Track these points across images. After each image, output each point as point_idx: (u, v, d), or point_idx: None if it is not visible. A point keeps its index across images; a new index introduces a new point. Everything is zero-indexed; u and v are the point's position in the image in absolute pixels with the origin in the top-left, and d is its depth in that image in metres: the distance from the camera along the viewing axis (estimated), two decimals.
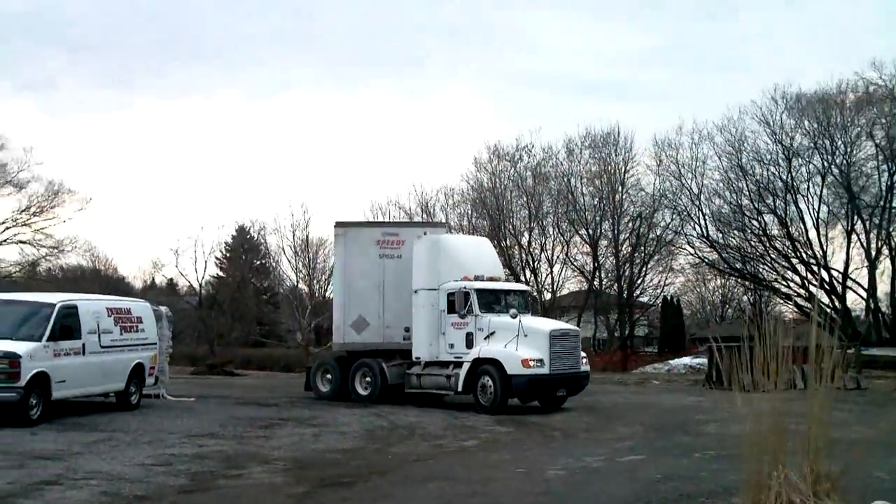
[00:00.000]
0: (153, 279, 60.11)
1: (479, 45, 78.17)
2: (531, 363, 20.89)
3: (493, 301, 22.65)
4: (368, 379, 24.02)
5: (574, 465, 13.65)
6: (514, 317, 21.33)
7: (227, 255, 58.42)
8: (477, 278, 22.68)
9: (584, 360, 22.71)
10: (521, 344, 21.04)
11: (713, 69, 72.36)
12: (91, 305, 20.31)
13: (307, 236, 53.40)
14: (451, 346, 22.52)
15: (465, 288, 22.28)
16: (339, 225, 25.81)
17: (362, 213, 57.71)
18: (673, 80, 74.29)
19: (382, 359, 23.84)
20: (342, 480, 12.40)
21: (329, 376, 25.21)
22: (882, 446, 13.48)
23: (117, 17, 77.59)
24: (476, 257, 23.91)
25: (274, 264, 57.44)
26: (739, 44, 70.75)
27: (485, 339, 21.81)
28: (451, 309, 22.46)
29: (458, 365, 22.03)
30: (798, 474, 6.04)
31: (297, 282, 54.99)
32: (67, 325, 18.75)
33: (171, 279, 56.91)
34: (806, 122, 43.37)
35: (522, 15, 77.51)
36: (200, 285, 56.39)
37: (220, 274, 58.69)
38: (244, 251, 58.90)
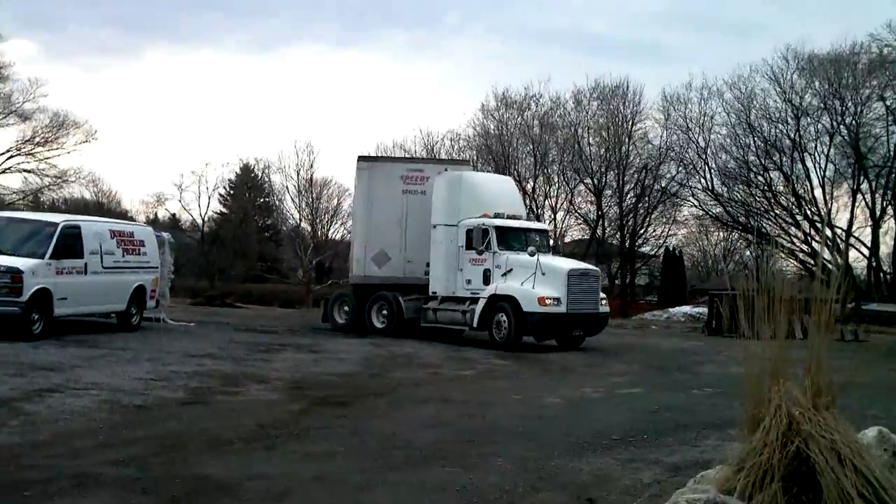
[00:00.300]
0: (156, 214, 59.90)
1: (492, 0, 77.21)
2: (548, 301, 20.76)
3: (512, 239, 22.32)
4: (385, 312, 23.90)
5: (571, 395, 13.73)
6: (532, 254, 21.08)
7: (231, 192, 58.26)
8: (497, 216, 22.36)
9: (604, 302, 22.62)
10: (538, 282, 20.88)
11: (728, 32, 71.52)
12: (94, 226, 20.35)
13: (311, 176, 53.40)
14: (469, 282, 22.38)
15: (483, 224, 22.08)
16: (362, 159, 25.67)
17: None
18: (686, 43, 73.51)
19: (399, 293, 23.69)
20: (339, 400, 12.47)
21: (346, 308, 25.13)
22: (877, 390, 13.52)
23: None
24: (497, 195, 23.57)
25: (277, 203, 57.49)
26: (756, 6, 69.73)
27: (502, 276, 21.66)
28: (469, 245, 22.24)
29: (475, 301, 21.88)
30: (799, 388, 6.00)
31: (300, 220, 55.08)
32: (70, 245, 18.80)
33: (174, 214, 56.86)
34: (816, 83, 43.08)
35: None
36: (203, 221, 56.43)
37: (224, 210, 58.59)
38: (248, 189, 58.71)
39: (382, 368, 16.65)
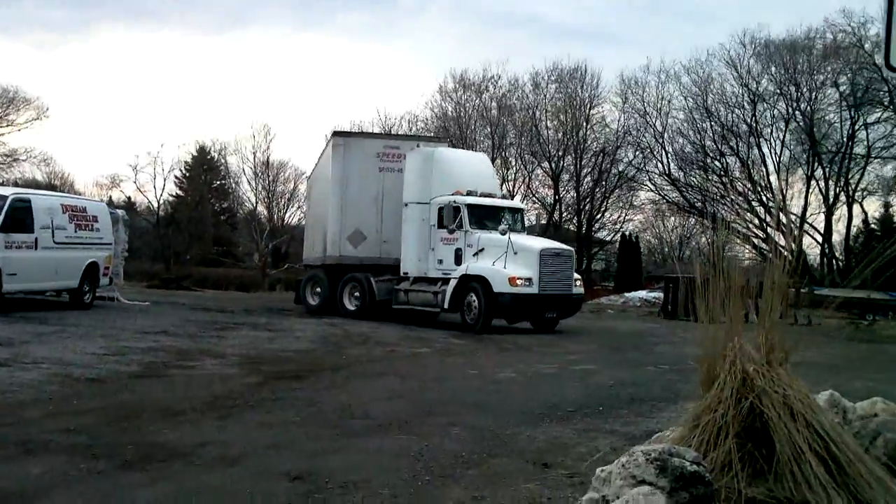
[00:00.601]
0: (111, 197, 59.18)
1: None
2: (519, 281, 20.18)
3: (485, 217, 21.73)
4: (357, 294, 23.39)
5: (526, 371, 13.74)
6: (503, 233, 20.44)
7: (187, 174, 57.68)
8: (469, 193, 21.83)
9: (579, 283, 22.05)
10: (510, 262, 20.31)
11: (686, 19, 71.93)
12: (45, 201, 20.02)
13: (268, 158, 53.14)
14: (440, 262, 21.87)
15: (454, 202, 21.53)
16: (338, 134, 25.18)
17: (324, 137, 57.22)
18: (644, 28, 73.76)
19: (372, 273, 23.17)
20: (295, 374, 12.39)
21: (318, 289, 24.62)
22: (827, 368, 13.70)
23: None
24: (471, 173, 22.92)
25: (234, 185, 57.12)
26: None
27: (473, 255, 21.13)
28: (441, 224, 21.77)
29: (447, 282, 21.37)
30: (752, 345, 6.03)
31: (256, 203, 54.77)
32: (20, 219, 18.49)
33: (129, 197, 56.07)
34: (773, 68, 43.45)
35: None
36: (159, 203, 55.84)
37: (179, 193, 58.03)
38: (204, 171, 58.16)
39: (338, 346, 16.57)
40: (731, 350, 6.11)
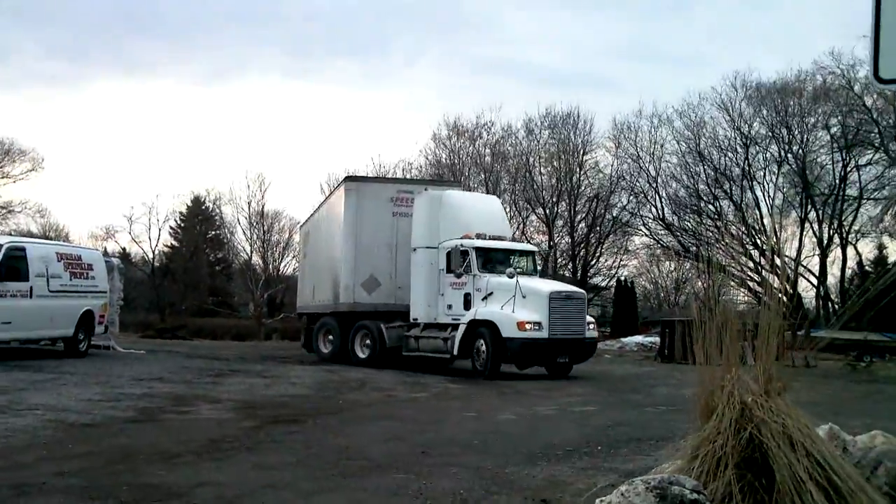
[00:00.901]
0: (105, 249, 59.09)
1: (443, 30, 77.68)
2: (527, 326, 19.53)
3: (495, 261, 21.20)
4: (368, 342, 22.75)
5: (525, 413, 13.69)
6: (510, 276, 19.87)
7: (182, 224, 57.65)
8: (478, 236, 21.17)
9: (592, 326, 21.32)
10: (519, 305, 19.70)
11: (676, 64, 72.62)
12: (40, 249, 20.05)
13: (263, 208, 53.21)
14: (450, 307, 21.22)
15: (462, 245, 20.94)
16: (350, 179, 24.89)
17: (318, 186, 57.40)
18: (634, 75, 74.39)
19: (382, 321, 22.55)
20: (292, 418, 12.32)
21: (331, 337, 24.06)
22: (826, 408, 13.65)
23: None
24: (480, 215, 22.22)
25: (229, 235, 57.10)
26: (701, 39, 70.92)
27: (482, 300, 20.47)
28: (450, 268, 21.18)
29: (456, 327, 20.71)
30: (751, 375, 6.03)
31: (251, 253, 54.75)
32: (14, 267, 18.49)
33: (124, 248, 55.84)
34: (764, 111, 43.62)
35: (488, 4, 77.05)
36: (154, 254, 55.74)
37: (174, 243, 57.97)
38: (199, 221, 58.16)
39: (335, 391, 16.49)
40: (728, 381, 6.10)
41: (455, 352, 20.65)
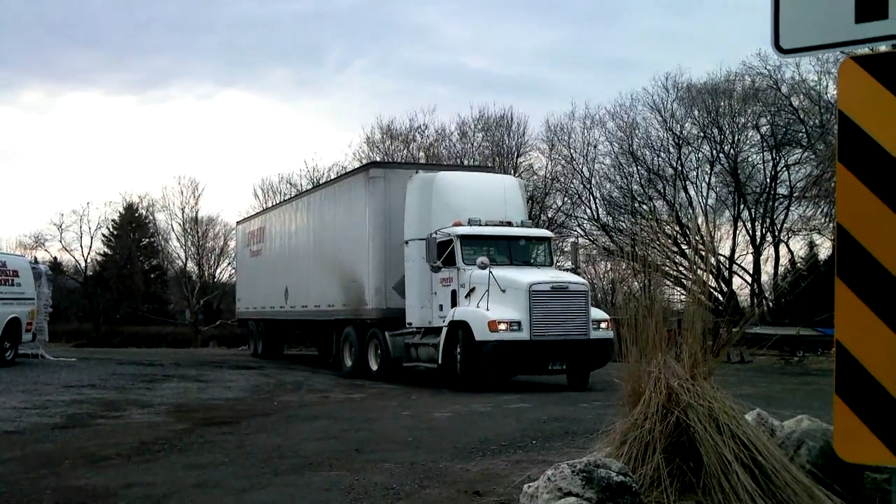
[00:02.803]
0: (35, 258, 58.00)
1: (375, 38, 77.38)
2: (500, 326, 16.70)
3: (496, 252, 18.29)
4: (380, 351, 19.96)
5: (461, 410, 13.65)
6: (482, 267, 17.02)
7: (115, 232, 56.71)
8: (471, 222, 18.22)
9: (604, 325, 17.51)
10: (497, 302, 16.88)
11: (608, 68, 73.15)
12: None
13: (196, 214, 52.71)
14: (440, 307, 18.41)
15: (437, 235, 18.14)
16: (375, 166, 21.66)
17: (252, 191, 56.98)
18: (567, 78, 74.76)
19: (387, 328, 19.69)
20: (225, 420, 12.17)
21: (353, 349, 21.13)
22: (760, 400, 13.85)
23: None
24: (476, 197, 18.91)
25: (163, 242, 56.40)
26: (631, 43, 71.61)
27: (465, 297, 17.67)
28: (428, 261, 18.23)
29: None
30: (677, 361, 6.07)
31: (186, 260, 54.15)
32: None
33: (55, 257, 54.82)
34: (695, 112, 44.16)
35: (420, 9, 77.00)
36: (86, 262, 54.84)
37: (107, 251, 57.03)
38: (132, 228, 57.29)
39: (270, 394, 16.32)
40: (655, 366, 6.15)
41: (440, 360, 17.87)
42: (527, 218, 20.10)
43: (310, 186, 46.19)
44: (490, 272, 16.88)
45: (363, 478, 7.86)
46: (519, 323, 16.83)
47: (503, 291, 16.97)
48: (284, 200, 31.00)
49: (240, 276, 33.83)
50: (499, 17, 75.73)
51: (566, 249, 48.48)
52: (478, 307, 17.06)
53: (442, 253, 18.04)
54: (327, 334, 23.17)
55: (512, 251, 18.60)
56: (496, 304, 16.87)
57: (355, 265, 20.68)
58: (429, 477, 7.98)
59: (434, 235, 18.09)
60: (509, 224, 18.86)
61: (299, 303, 24.08)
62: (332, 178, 27.98)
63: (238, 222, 35.15)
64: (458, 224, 18.15)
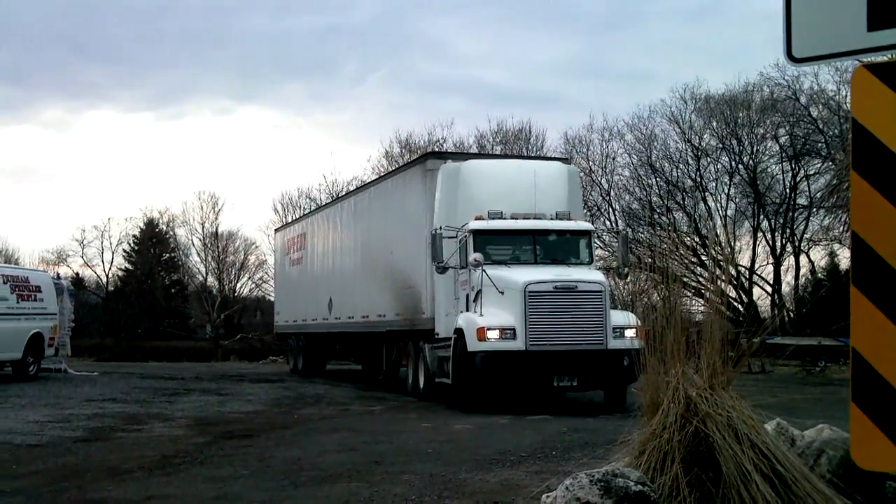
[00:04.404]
0: (58, 274, 58.42)
1: (390, 53, 77.52)
2: (490, 334, 14.67)
3: (517, 249, 16.51)
4: (422, 366, 18.03)
5: (481, 422, 13.64)
6: (475, 266, 15.36)
7: (136, 247, 57.11)
8: (491, 215, 16.13)
9: (629, 333, 14.23)
10: (495, 305, 15.03)
11: (625, 80, 73.05)
12: None
13: (216, 229, 53.03)
14: (461, 314, 16.14)
15: (440, 230, 16.11)
16: (434, 156, 19.37)
17: (272, 206, 57.12)
18: (584, 90, 74.63)
19: (426, 340, 17.66)
20: (245, 433, 12.22)
21: (418, 364, 18.53)
22: (781, 410, 13.78)
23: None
24: (506, 188, 16.77)
25: (183, 257, 56.72)
26: (649, 54, 71.49)
27: (473, 301, 15.63)
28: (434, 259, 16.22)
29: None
30: (695, 370, 6.08)
31: (207, 275, 54.45)
32: None
33: (77, 273, 55.23)
34: (714, 123, 44.08)
35: (434, 22, 77.21)
36: (108, 277, 55.23)
37: (128, 266, 57.41)
38: (153, 244, 57.68)
39: (290, 407, 16.37)
40: (673, 376, 6.15)
41: (450, 374, 16.07)
42: (570, 209, 17.13)
43: (328, 200, 46.27)
44: (483, 271, 15.22)
45: (383, 489, 7.88)
46: (513, 330, 14.74)
47: (501, 293, 15.07)
48: (327, 203, 29.07)
49: (278, 287, 32.09)
50: (513, 30, 75.81)
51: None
52: (476, 312, 15.29)
53: (464, 251, 16.10)
54: (376, 348, 21.02)
55: (539, 248, 16.42)
56: (495, 308, 15.02)
57: (410, 269, 18.26)
58: (448, 488, 7.99)
59: (439, 231, 16.04)
60: (541, 217, 16.53)
61: (345, 314, 22.02)
62: (382, 174, 26.23)
63: (276, 230, 34.73)
64: (479, 218, 16.18)
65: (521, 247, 16.55)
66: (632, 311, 11.44)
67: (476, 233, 16.00)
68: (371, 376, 22.97)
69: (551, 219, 16.60)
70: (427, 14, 77.23)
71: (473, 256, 15.52)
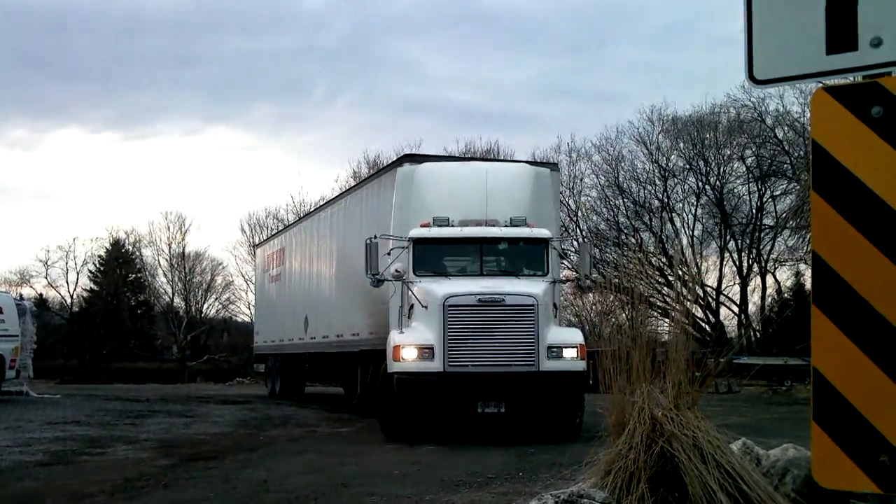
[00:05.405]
0: (21, 295, 57.76)
1: (360, 74, 77.60)
2: (406, 354, 13.32)
3: (461, 259, 15.25)
4: None
5: (447, 443, 13.57)
6: (396, 278, 14.28)
7: (101, 267, 56.64)
8: (437, 222, 14.65)
9: (569, 351, 13.50)
10: (420, 321, 13.78)
11: (592, 100, 73.56)
12: None
13: (183, 249, 52.70)
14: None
15: (374, 240, 14.59)
16: (410, 159, 17.68)
17: (240, 226, 56.79)
18: (552, 112, 75.10)
19: None
20: (211, 455, 12.09)
21: None
22: (748, 429, 13.84)
23: None
24: (454, 192, 15.39)
25: (150, 278, 56.29)
26: (617, 77, 72.05)
27: (408, 317, 14.25)
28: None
29: None
30: (660, 390, 6.10)
31: (173, 295, 54.05)
32: None
33: (41, 294, 54.67)
34: (681, 144, 44.47)
35: (404, 43, 77.43)
36: (72, 298, 54.70)
37: (94, 287, 56.91)
38: (119, 264, 57.21)
39: (257, 428, 16.25)
40: (639, 396, 6.16)
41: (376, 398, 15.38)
42: (534, 216, 15.36)
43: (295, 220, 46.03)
44: (404, 284, 14.15)
45: None
46: (431, 349, 13.23)
47: (425, 308, 13.69)
48: (306, 214, 27.58)
49: (258, 306, 30.84)
50: (483, 51, 76.25)
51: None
52: (399, 330, 13.99)
53: (367, 261, 14.56)
54: (351, 370, 19.47)
55: (489, 258, 15.10)
56: (421, 325, 13.71)
57: (385, 283, 15.60)
58: None
59: (374, 240, 14.51)
60: (494, 223, 15.03)
61: (320, 333, 20.97)
62: (358, 181, 24.39)
63: (255, 246, 34.19)
64: (424, 225, 14.79)
65: (468, 257, 15.19)
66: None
67: (417, 241, 14.61)
68: (349, 400, 21.41)
69: (505, 226, 15.06)
70: (397, 35, 77.61)
71: (395, 267, 14.27)
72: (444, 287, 13.84)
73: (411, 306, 14.05)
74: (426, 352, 13.20)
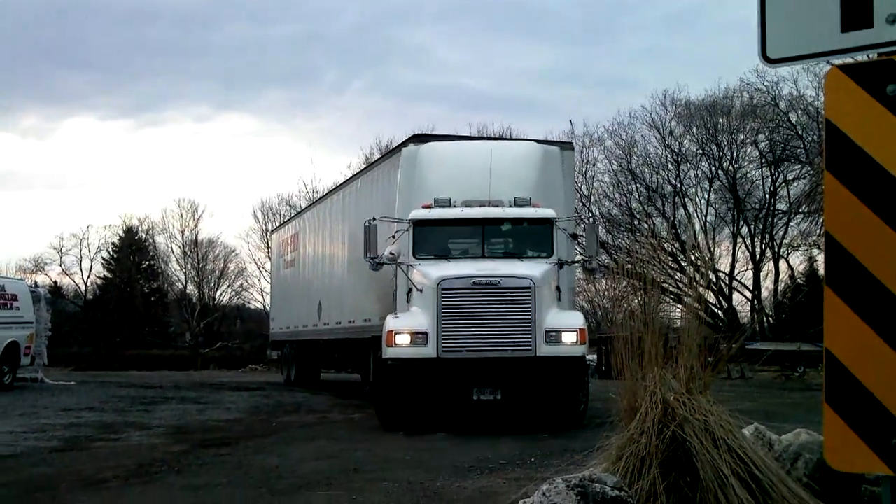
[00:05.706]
0: (35, 282, 57.94)
1: (371, 61, 77.59)
2: (400, 339, 12.95)
3: (463, 241, 14.70)
4: None
5: (459, 428, 13.55)
6: (390, 260, 13.76)
7: (115, 255, 56.82)
8: (439, 204, 14.36)
9: (568, 336, 13.03)
10: (417, 305, 13.38)
11: (605, 85, 73.35)
12: None
13: (196, 236, 52.79)
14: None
15: (373, 223, 14.11)
16: (416, 139, 16.97)
17: (252, 213, 56.73)
18: (565, 97, 74.91)
19: None
20: (223, 441, 12.14)
21: None
22: (761, 415, 13.79)
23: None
24: (457, 172, 15.06)
25: (163, 265, 56.45)
26: (630, 61, 71.78)
27: (406, 301, 13.98)
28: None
29: None
30: (672, 375, 6.06)
31: (186, 282, 54.20)
32: None
33: (56, 282, 54.84)
34: (694, 129, 44.25)
35: (414, 30, 77.36)
36: (86, 285, 54.89)
37: (107, 275, 57.09)
38: (132, 252, 57.38)
39: (270, 415, 16.29)
40: (651, 380, 6.13)
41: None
42: (542, 196, 14.85)
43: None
44: (398, 267, 13.79)
45: (361, 497, 7.82)
46: (425, 334, 12.82)
47: (420, 291, 13.33)
48: (320, 198, 26.83)
49: (274, 292, 30.51)
50: (493, 38, 76.19)
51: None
52: (394, 315, 13.67)
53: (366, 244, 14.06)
54: (365, 356, 18.84)
55: (491, 240, 14.52)
56: (418, 308, 13.30)
57: (394, 266, 14.76)
58: (426, 496, 7.94)
59: (373, 223, 14.04)
60: (498, 204, 14.55)
61: (333, 319, 20.53)
62: (370, 163, 23.77)
63: (271, 231, 34.08)
64: (425, 206, 14.41)
65: (470, 239, 14.60)
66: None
67: (417, 223, 14.17)
68: (363, 387, 20.61)
69: (509, 206, 14.53)
70: (407, 23, 77.51)
71: (389, 250, 13.73)
72: (441, 270, 13.44)
73: (409, 290, 13.77)
74: (419, 337, 12.84)
